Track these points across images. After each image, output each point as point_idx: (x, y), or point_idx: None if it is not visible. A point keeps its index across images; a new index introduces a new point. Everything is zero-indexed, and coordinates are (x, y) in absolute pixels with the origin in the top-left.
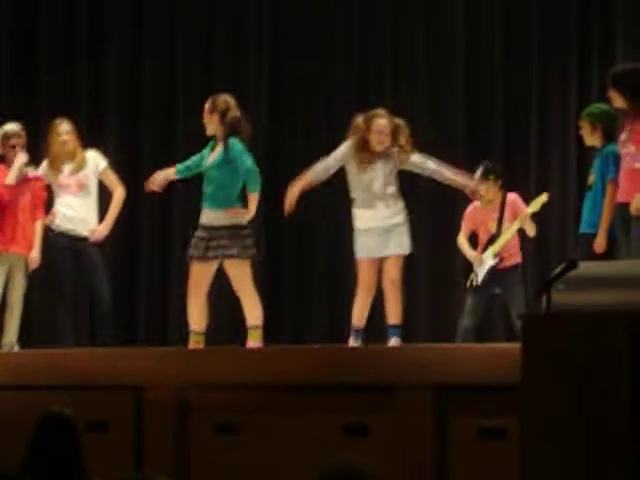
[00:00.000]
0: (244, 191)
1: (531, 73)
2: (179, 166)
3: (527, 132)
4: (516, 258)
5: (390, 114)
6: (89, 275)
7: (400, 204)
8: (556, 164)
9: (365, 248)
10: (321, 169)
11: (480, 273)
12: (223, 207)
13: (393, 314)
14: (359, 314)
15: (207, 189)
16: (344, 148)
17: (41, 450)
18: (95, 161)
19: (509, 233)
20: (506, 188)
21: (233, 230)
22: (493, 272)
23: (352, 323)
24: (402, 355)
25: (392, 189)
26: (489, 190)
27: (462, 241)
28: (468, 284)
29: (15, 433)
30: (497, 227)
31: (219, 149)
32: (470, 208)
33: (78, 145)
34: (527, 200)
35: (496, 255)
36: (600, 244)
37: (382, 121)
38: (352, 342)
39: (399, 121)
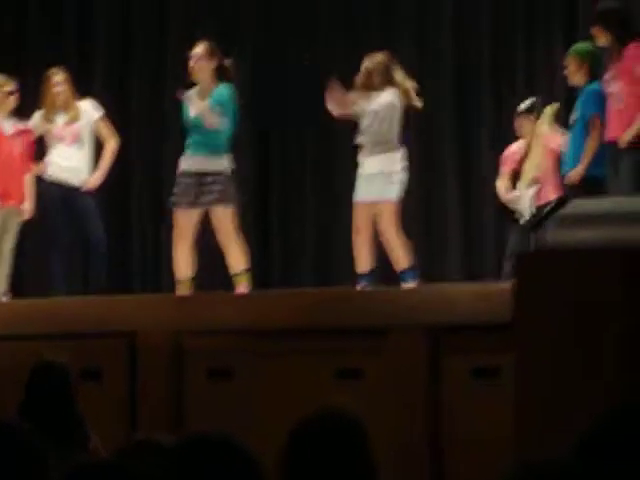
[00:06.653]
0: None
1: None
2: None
3: (514, 75)
4: (556, 192)
5: (379, 55)
6: (83, 222)
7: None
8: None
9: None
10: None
11: (524, 209)
12: (209, 154)
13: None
14: (357, 259)
15: (193, 136)
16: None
17: (35, 400)
18: (89, 112)
19: (534, 155)
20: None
21: (217, 176)
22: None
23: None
24: (394, 297)
25: (374, 133)
26: (526, 128)
27: (498, 184)
28: (522, 222)
29: (8, 383)
30: (524, 161)
31: (205, 96)
32: (507, 150)
33: (72, 96)
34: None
35: (530, 183)
36: (574, 176)
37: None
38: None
39: (375, 60)
